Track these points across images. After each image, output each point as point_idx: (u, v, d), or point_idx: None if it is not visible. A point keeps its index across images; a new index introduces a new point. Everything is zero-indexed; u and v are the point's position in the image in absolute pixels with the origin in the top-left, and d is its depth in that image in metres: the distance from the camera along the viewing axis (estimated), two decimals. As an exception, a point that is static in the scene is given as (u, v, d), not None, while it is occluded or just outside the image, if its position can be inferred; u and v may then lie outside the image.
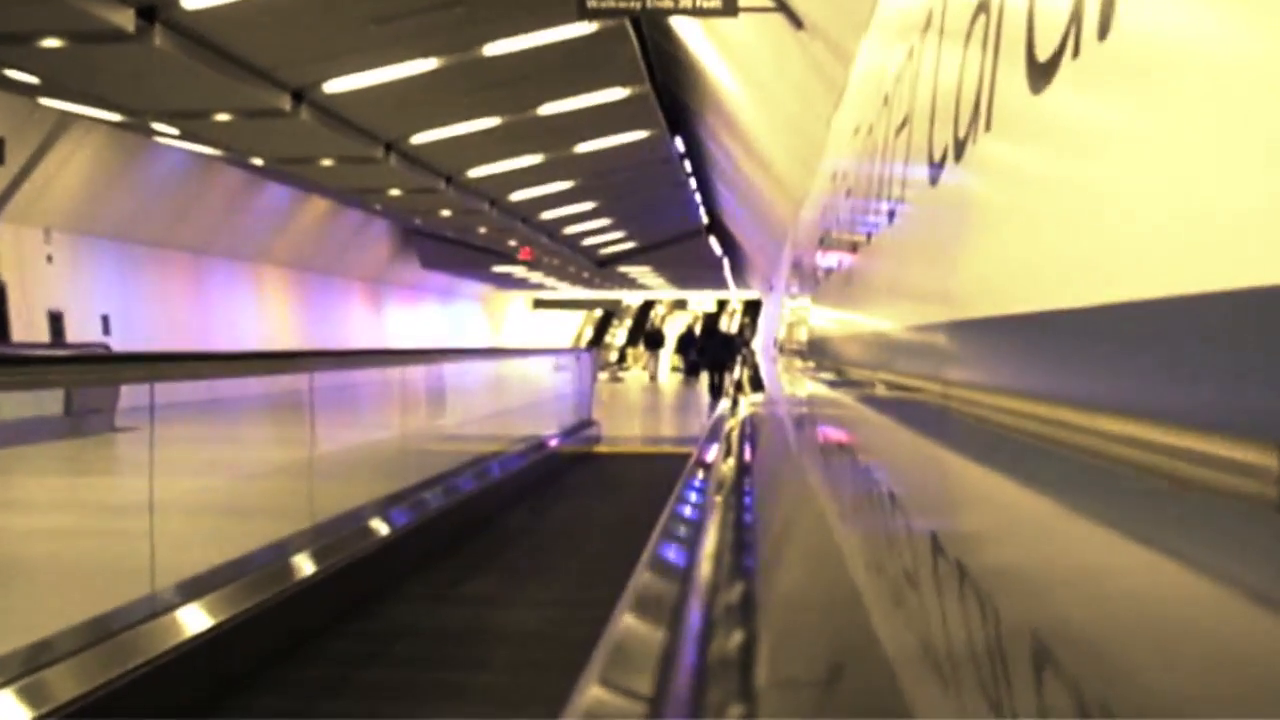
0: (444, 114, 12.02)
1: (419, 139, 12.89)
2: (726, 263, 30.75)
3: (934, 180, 2.46)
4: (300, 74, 9.92)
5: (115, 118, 11.67)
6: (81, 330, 15.53)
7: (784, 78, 8.93)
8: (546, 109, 12.45)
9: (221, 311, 19.12)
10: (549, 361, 11.78)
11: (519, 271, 30.89)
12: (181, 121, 11.37)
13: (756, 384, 9.85)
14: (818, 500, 1.89)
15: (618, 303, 42.12)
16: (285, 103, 10.21)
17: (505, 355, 10.33)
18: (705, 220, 24.77)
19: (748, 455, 3.75)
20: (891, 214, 3.24)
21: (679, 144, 16.17)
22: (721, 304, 40.16)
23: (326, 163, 13.72)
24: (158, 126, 12.35)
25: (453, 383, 8.09)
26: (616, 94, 12.37)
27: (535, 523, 7.09)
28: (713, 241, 26.88)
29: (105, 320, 16.56)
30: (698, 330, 31.51)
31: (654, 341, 31.22)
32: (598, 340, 40.98)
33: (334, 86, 10.25)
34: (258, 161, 14.45)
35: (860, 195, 4.38)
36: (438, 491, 6.01)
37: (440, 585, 5.06)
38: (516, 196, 17.95)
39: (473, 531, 6.16)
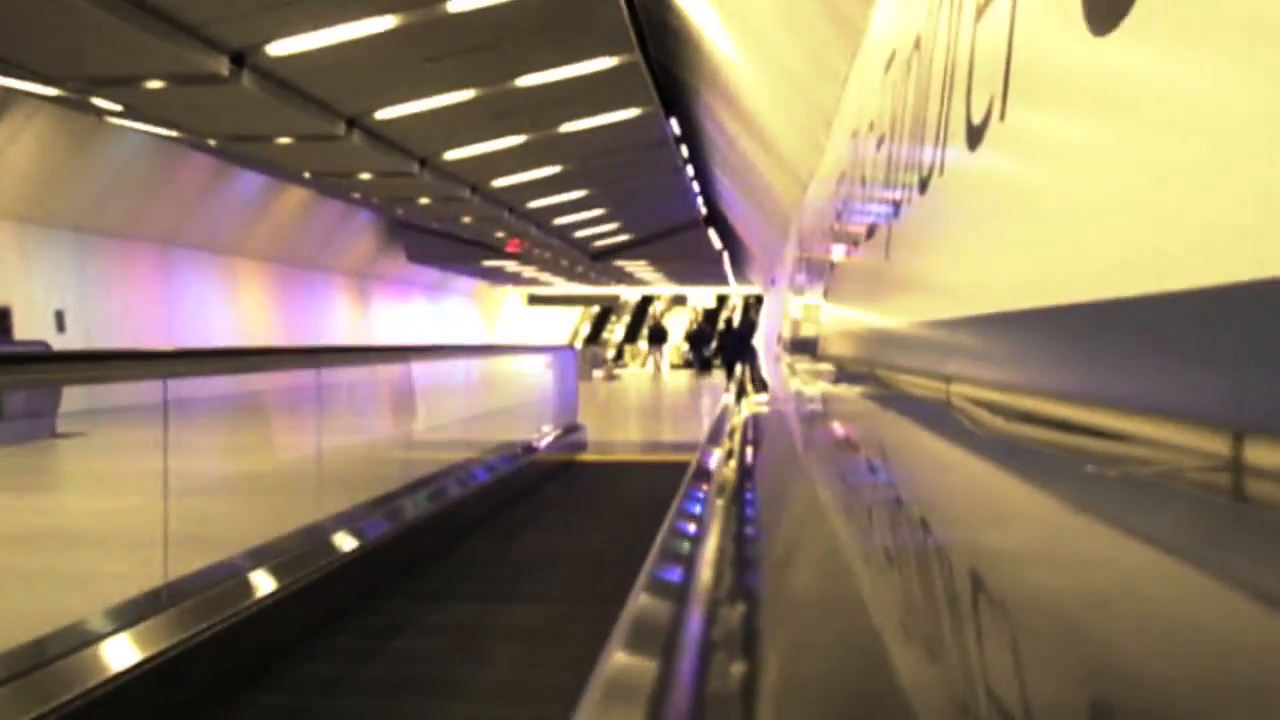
0: (409, 85, 10.76)
1: (384, 114, 11.62)
2: (726, 256, 29.59)
3: (1108, 22, 1.24)
4: (237, 33, 8.66)
5: (39, 89, 10.42)
6: (32, 327, 14.61)
7: (791, 32, 7.70)
8: (525, 80, 11.19)
9: (192, 307, 18.09)
10: (526, 360, 10.55)
11: (510, 265, 29.68)
12: (109, 90, 10.11)
13: (760, 385, 8.84)
14: (829, 515, 1.69)
15: (615, 298, 40.94)
16: (223, 67, 8.95)
17: (472, 353, 9.08)
18: (704, 211, 23.51)
19: (750, 462, 3.16)
20: (978, 135, 2.03)
21: (674, 125, 14.90)
22: (721, 299, 39.12)
23: (284, 141, 12.45)
24: (99, 103, 11.13)
25: (406, 387, 6.88)
26: (602, 63, 11.12)
27: (496, 556, 5.87)
28: (712, 234, 25.62)
29: (59, 316, 15.60)
30: (704, 326, 33.18)
31: (658, 337, 31.31)
32: (595, 337, 40.04)
33: (278, 49, 8.99)
34: (211, 142, 13.21)
35: (905, 135, 3.17)
36: (369, 522, 4.77)
37: (340, 662, 3.82)
38: (500, 183, 16.68)
39: (409, 575, 4.94)
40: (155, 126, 12.42)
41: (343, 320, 24.20)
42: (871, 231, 3.88)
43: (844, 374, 4.46)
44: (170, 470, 4.94)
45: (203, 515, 5.61)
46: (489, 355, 10.04)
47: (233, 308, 19.36)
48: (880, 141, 3.88)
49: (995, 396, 1.68)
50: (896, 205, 3.20)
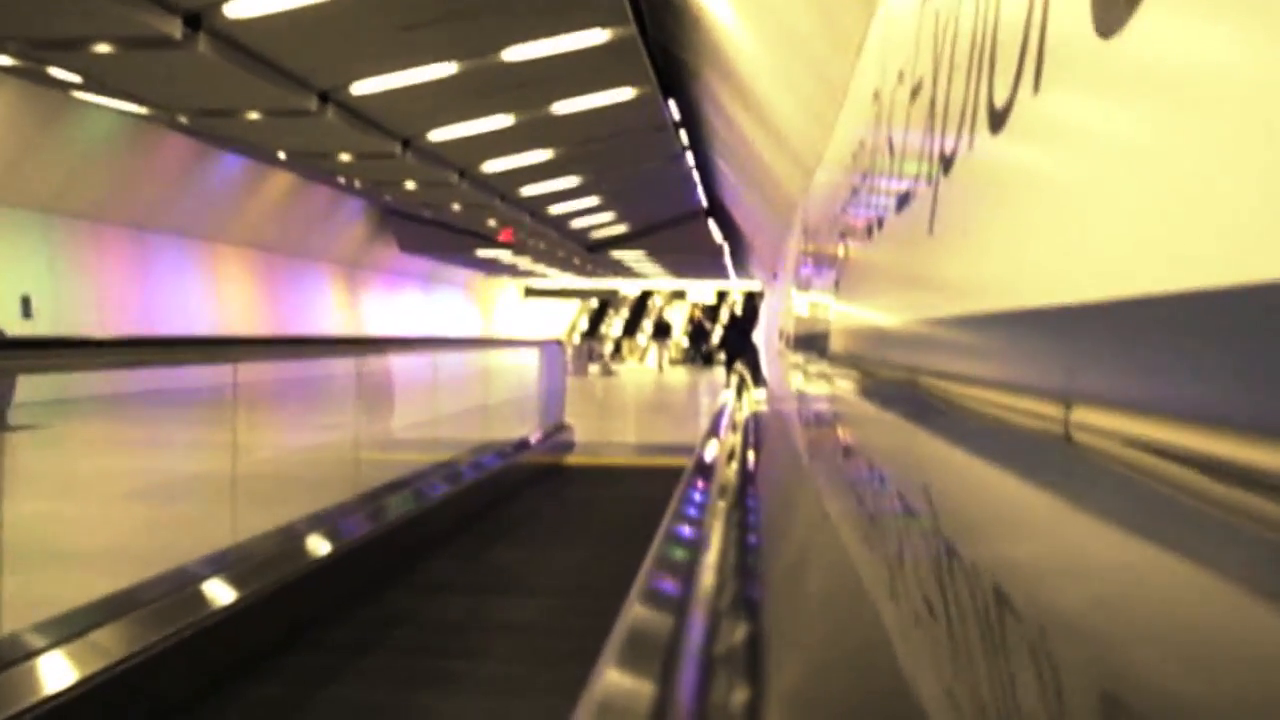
0: (385, 55, 9.95)
1: (360, 88, 10.80)
2: (727, 250, 28.79)
3: None
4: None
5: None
6: (-5, 312, 13.89)
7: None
8: (512, 54, 10.39)
9: (171, 294, 17.36)
10: (506, 355, 9.77)
11: (505, 257, 28.87)
12: (57, 54, 9.32)
13: (760, 381, 8.27)
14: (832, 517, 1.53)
15: (614, 293, 40.18)
16: (175, 29, 8.16)
17: (440, 347, 8.30)
18: (704, 202, 22.68)
19: (753, 469, 2.95)
20: (1117, 11, 1.26)
21: (673, 109, 14.09)
22: (721, 295, 38.40)
23: (253, 116, 11.65)
24: (56, 73, 10.36)
25: (367, 384, 6.10)
26: (595, 37, 10.32)
27: (459, 579, 5.10)
28: (712, 226, 24.80)
29: (26, 302, 14.89)
30: (704, 321, 34.31)
31: (662, 331, 32.39)
32: (593, 331, 39.35)
33: (236, 10, 8.19)
34: (182, 119, 12.41)
35: (959, 68, 2.40)
36: (306, 545, 3.99)
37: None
38: (489, 167, 15.87)
39: (352, 606, 4.17)
40: (117, 100, 11.63)
41: (332, 311, 23.41)
42: (904, 201, 3.10)
43: (867, 381, 3.67)
44: (94, 470, 4.17)
45: (93, 530, 4.87)
46: (460, 349, 9.24)
47: (214, 296, 18.61)
48: (916, 90, 3.11)
49: (1202, 444, 0.91)
50: (946, 159, 2.42)
